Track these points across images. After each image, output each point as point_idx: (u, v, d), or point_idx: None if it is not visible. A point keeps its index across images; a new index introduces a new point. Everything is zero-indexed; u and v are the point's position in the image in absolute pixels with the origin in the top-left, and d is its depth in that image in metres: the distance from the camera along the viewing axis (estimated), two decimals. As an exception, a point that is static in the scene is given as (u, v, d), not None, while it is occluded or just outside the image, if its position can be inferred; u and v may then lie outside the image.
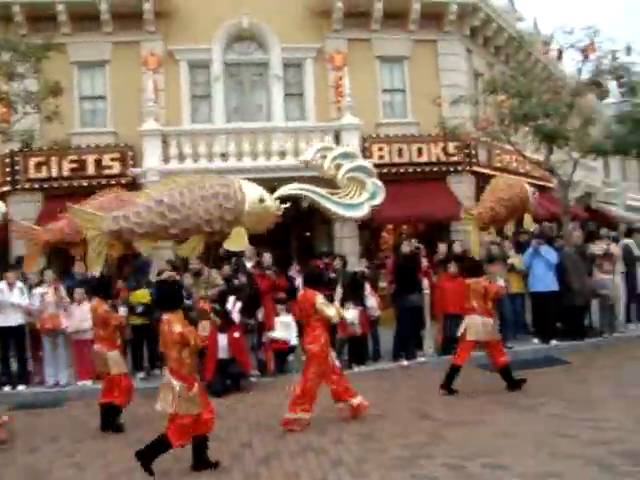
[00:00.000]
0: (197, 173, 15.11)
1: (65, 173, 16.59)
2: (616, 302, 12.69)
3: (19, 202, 16.26)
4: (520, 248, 12.57)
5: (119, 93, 17.39)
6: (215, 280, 11.12)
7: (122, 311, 9.24)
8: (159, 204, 6.88)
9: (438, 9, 18.89)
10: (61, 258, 13.50)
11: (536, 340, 11.99)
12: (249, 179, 7.63)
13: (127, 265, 12.06)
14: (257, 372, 10.98)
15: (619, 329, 12.70)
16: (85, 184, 16.16)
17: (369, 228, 16.99)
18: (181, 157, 16.26)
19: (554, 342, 11.86)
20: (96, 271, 7.20)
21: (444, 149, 18.19)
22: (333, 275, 11.35)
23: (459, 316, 11.36)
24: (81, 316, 10.60)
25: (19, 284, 10.84)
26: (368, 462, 6.36)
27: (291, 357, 11.25)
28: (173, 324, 6.32)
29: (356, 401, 7.96)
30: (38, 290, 10.94)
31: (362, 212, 7.88)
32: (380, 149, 17.64)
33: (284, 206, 7.40)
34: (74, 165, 16.60)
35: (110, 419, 8.24)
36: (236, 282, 11.10)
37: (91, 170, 16.63)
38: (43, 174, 16.53)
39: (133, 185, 15.78)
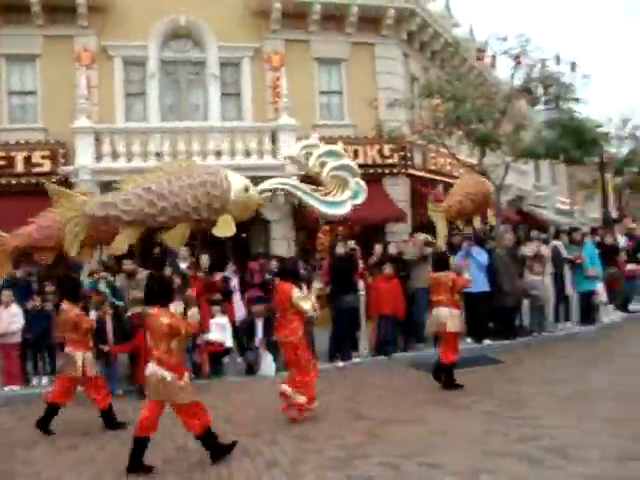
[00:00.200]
0: (131, 173, 14.99)
1: (-9, 170, 16.04)
2: (545, 302, 13.04)
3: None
4: (453, 249, 12.78)
5: (50, 88, 16.92)
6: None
7: (93, 315, 9.09)
8: (148, 192, 6.78)
9: (376, 13, 19.11)
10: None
11: (469, 340, 12.20)
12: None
13: (58, 266, 11.69)
14: (192, 374, 10.81)
15: (548, 329, 13.06)
16: (14, 182, 15.66)
17: (305, 229, 17.00)
18: (114, 155, 15.94)
19: (487, 342, 12.11)
20: (73, 252, 6.97)
21: (380, 151, 18.39)
22: (268, 277, 11.30)
23: (394, 317, 11.56)
24: (8, 319, 10.25)
25: None
26: (303, 463, 6.34)
27: (226, 359, 11.15)
28: (160, 317, 6.36)
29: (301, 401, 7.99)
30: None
31: (344, 210, 7.89)
32: (317, 150, 17.65)
33: (264, 196, 7.46)
34: (2, 162, 16.09)
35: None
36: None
37: (20, 168, 16.17)
38: (-32, 171, 15.95)
39: (64, 184, 15.35)
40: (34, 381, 10.60)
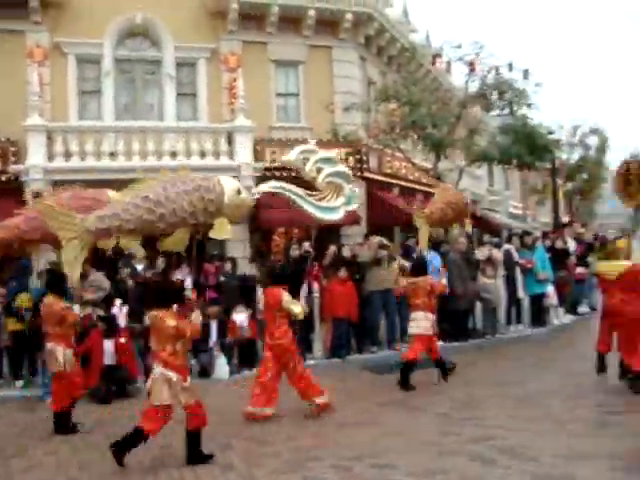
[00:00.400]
0: (84, 172, 14.74)
1: (-62, 169, 15.56)
2: (498, 305, 13.27)
3: None
4: (408, 252, 12.90)
5: (1, 85, 16.47)
6: (101, 284, 10.75)
7: (76, 309, 8.94)
8: (145, 200, 6.84)
9: (333, 16, 19.15)
10: None
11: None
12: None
13: (7, 268, 11.40)
14: (144, 378, 10.67)
15: (500, 331, 13.28)
16: (-39, 180, 15.24)
17: (260, 231, 16.94)
18: (67, 155, 15.63)
19: (440, 343, 12.19)
20: (76, 275, 6.88)
21: (336, 155, 18.39)
22: (223, 279, 11.24)
23: (348, 320, 11.59)
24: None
25: None
26: (258, 467, 6.29)
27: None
28: (166, 319, 6.45)
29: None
30: None
31: (337, 216, 8.06)
32: (273, 152, 17.58)
33: (256, 197, 7.69)
34: (-52, 160, 15.62)
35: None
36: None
37: (-32, 166, 15.70)
38: None
39: (15, 183, 15.05)
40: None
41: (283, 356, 8.15)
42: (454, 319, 12.60)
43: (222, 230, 7.19)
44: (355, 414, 8.14)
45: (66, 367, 7.94)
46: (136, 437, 6.36)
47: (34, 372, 10.69)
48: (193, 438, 6.52)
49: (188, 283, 11.55)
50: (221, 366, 10.73)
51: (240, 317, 10.83)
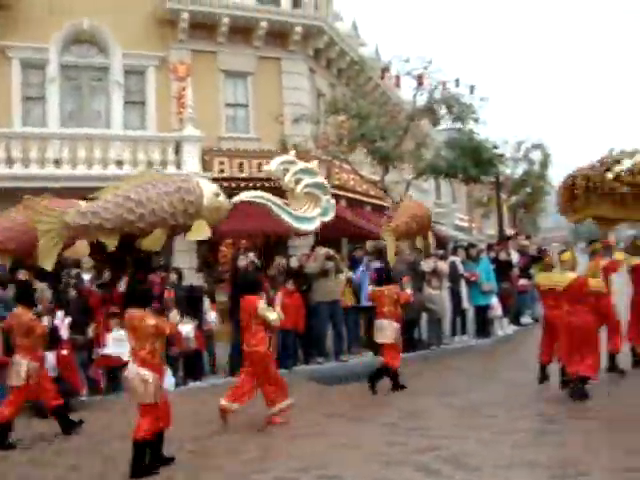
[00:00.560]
0: (27, 179, 14.40)
1: None
2: (443, 316, 13.45)
3: None
4: (354, 264, 12.98)
5: (-61, 89, 16.05)
6: (43, 294, 10.48)
7: (45, 320, 8.87)
8: (127, 200, 6.84)
9: (284, 28, 19.23)
10: None
11: (370, 353, 12.36)
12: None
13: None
14: (87, 391, 10.44)
15: (445, 342, 13.45)
16: None
17: (207, 242, 16.79)
18: (9, 161, 15.25)
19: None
20: (47, 266, 6.70)
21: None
22: (167, 288, 11.11)
23: (295, 330, 11.58)
24: None
25: None
26: None
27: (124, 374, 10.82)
28: (145, 318, 6.56)
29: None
30: None
31: (313, 226, 8.23)
32: (221, 163, 17.51)
33: (234, 201, 7.67)
34: None
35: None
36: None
37: None
38: None
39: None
40: None
41: (259, 363, 8.16)
42: (401, 330, 12.68)
43: (200, 231, 7.27)
44: (302, 425, 8.11)
45: (29, 381, 7.82)
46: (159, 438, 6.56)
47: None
48: (146, 447, 6.46)
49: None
50: (167, 378, 10.57)
51: (186, 328, 10.70)
